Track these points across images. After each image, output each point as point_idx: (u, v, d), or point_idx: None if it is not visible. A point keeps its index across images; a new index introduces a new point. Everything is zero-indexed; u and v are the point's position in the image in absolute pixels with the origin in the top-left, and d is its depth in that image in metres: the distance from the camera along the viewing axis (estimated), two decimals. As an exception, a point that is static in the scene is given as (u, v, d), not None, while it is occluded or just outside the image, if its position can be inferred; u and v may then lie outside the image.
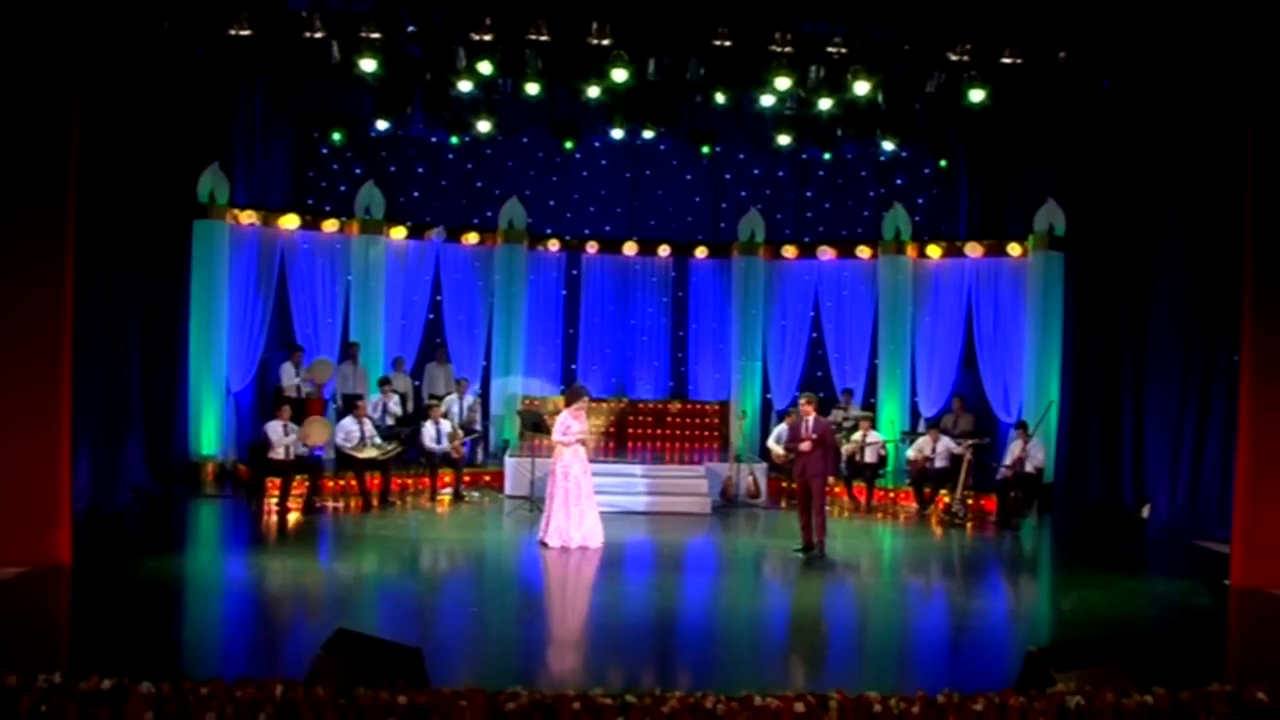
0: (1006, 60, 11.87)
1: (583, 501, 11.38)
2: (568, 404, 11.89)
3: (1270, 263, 10.17)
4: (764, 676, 7.19)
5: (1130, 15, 9.96)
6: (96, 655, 6.98)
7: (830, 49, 11.63)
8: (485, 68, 12.75)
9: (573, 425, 11.48)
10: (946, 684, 6.12)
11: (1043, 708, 5.92)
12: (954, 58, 11.86)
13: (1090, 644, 6.71)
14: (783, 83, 12.88)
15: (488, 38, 11.29)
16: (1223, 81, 10.84)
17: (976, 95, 12.96)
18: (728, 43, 11.35)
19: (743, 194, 18.72)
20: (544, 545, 11.27)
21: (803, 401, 11.71)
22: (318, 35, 11.23)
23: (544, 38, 11.26)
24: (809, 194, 19.04)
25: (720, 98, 14.32)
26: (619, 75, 12.65)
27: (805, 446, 11.29)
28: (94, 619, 8.28)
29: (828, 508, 13.66)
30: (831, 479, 12.48)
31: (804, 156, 18.06)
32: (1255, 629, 9.14)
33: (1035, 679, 6.34)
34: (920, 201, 18.62)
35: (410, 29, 11.62)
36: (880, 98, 13.75)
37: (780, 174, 18.92)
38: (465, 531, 12.51)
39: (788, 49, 11.55)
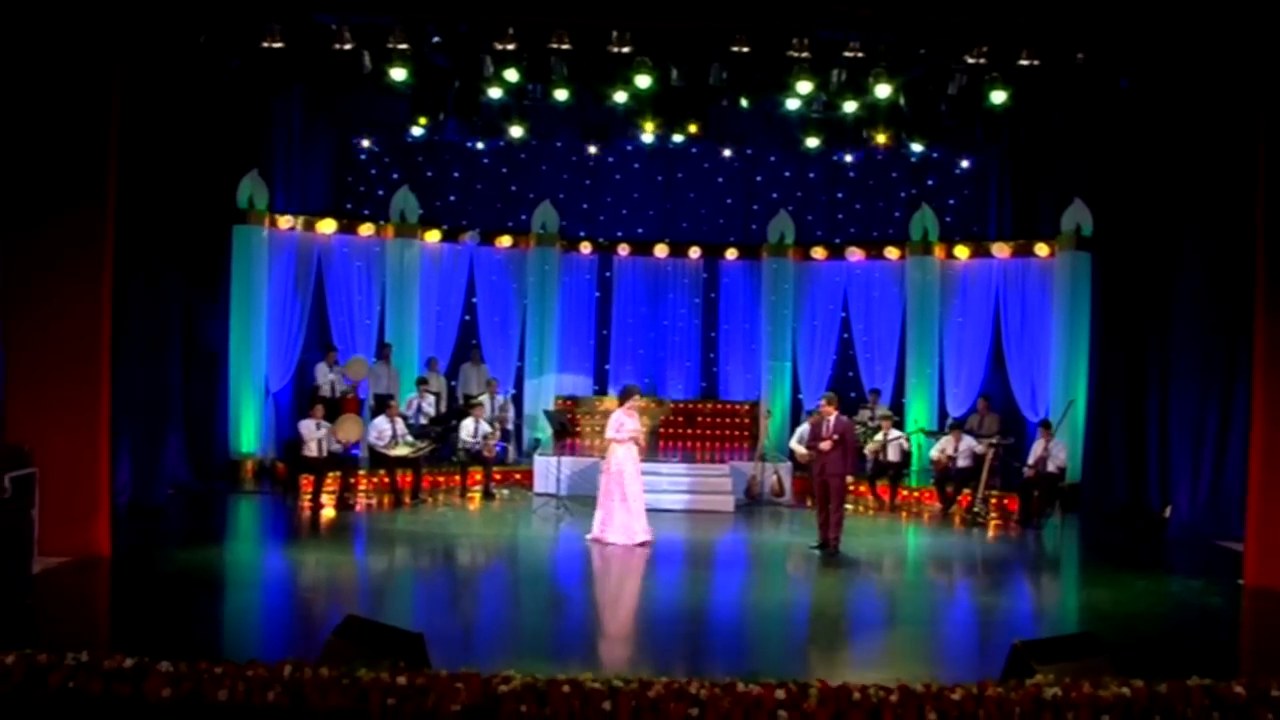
0: (1024, 62, 11.95)
1: (636, 499, 11.61)
2: (621, 403, 12.16)
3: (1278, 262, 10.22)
4: (764, 664, 7.40)
5: (1141, 13, 10.01)
6: (128, 638, 7.36)
7: (847, 53, 11.78)
8: (512, 75, 13.09)
9: (626, 423, 11.72)
10: (946, 675, 6.31)
11: (1019, 698, 6.08)
12: (971, 60, 11.95)
13: (1076, 638, 6.87)
14: (804, 87, 13.04)
15: (511, 47, 11.54)
16: (1235, 76, 10.87)
17: (998, 97, 13.03)
18: (746, 49, 11.52)
19: (774, 195, 18.90)
20: (600, 542, 11.48)
21: (824, 401, 11.91)
22: (347, 47, 11.55)
23: (566, 46, 11.50)
24: (840, 195, 19.18)
25: (745, 102, 14.56)
26: (643, 81, 12.91)
27: (825, 446, 11.49)
28: (128, 606, 8.72)
29: (850, 506, 13.91)
30: (851, 478, 12.61)
31: (834, 158, 18.20)
32: (1259, 627, 9.22)
33: (1019, 671, 6.51)
34: (952, 202, 18.72)
35: (436, 40, 11.91)
36: (902, 100, 13.90)
37: (811, 175, 19.08)
38: (491, 527, 12.87)
39: (805, 54, 11.69)
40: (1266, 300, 10.34)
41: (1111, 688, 6.19)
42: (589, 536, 11.70)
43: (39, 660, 6.19)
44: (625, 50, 11.53)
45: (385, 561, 11.11)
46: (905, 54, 12.23)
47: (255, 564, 10.83)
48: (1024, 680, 6.30)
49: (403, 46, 11.66)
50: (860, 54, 11.83)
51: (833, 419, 11.59)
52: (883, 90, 13.11)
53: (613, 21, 10.36)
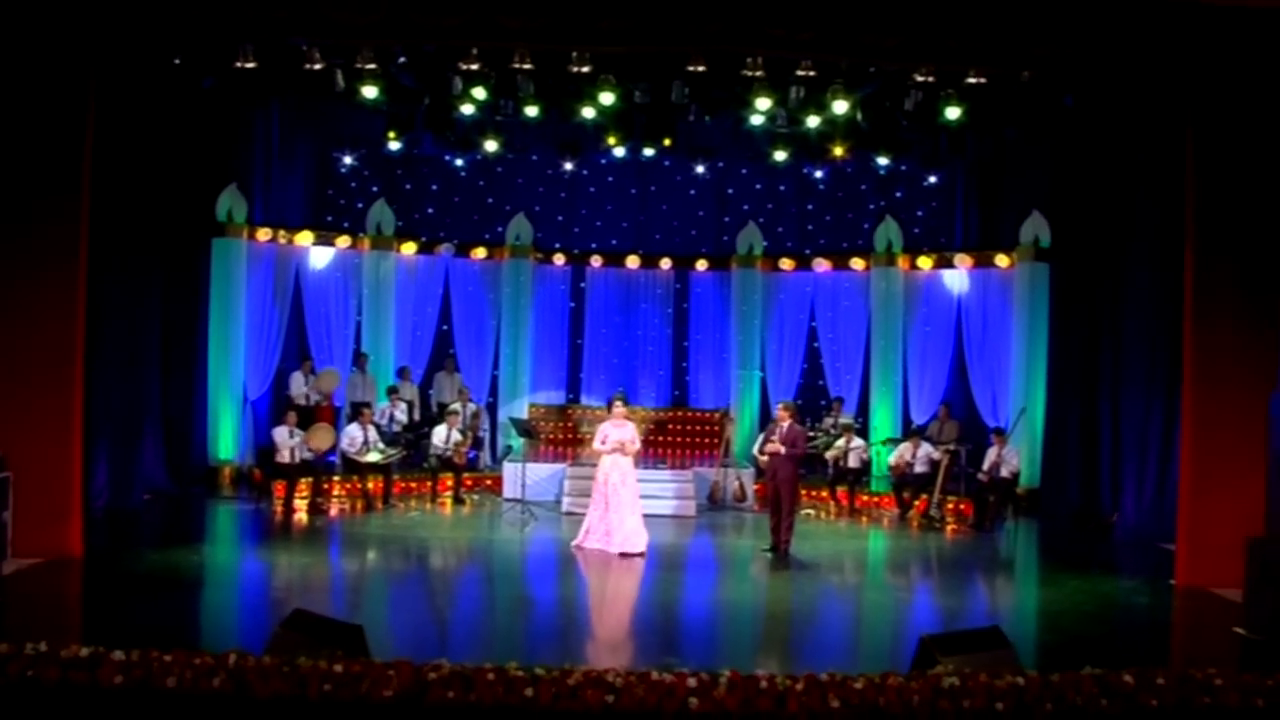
0: (972, 80, 12.37)
1: (622, 508, 11.83)
2: (609, 412, 12.48)
3: (1208, 272, 10.65)
4: (697, 657, 7.79)
5: (1077, 35, 10.42)
6: (93, 634, 7.74)
7: (800, 71, 12.17)
8: (480, 93, 13.54)
9: (611, 433, 12.00)
10: (868, 668, 6.67)
11: (918, 687, 6.48)
12: (920, 78, 12.37)
13: (982, 632, 7.26)
14: (764, 103, 13.43)
15: (475, 66, 11.95)
16: (1166, 94, 11.31)
17: (953, 112, 13.43)
18: (702, 68, 11.92)
19: (745, 208, 19.29)
20: (578, 549, 11.76)
21: (779, 408, 12.34)
22: (318, 67, 11.94)
23: (529, 66, 11.90)
24: (810, 207, 19.54)
25: (709, 118, 14.97)
26: (606, 99, 13.37)
27: (770, 448, 11.91)
28: (96, 604, 9.13)
29: (811, 511, 14.34)
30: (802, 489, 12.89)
31: (804, 171, 18.60)
32: (1175, 624, 9.61)
33: (925, 663, 6.91)
34: (920, 214, 19.09)
35: (402, 60, 12.32)
36: (859, 116, 14.31)
37: (782, 188, 19.45)
38: (456, 530, 13.31)
39: (760, 73, 12.07)
40: (1195, 309, 10.76)
41: (1006, 677, 6.60)
42: (573, 544, 11.96)
43: (0, 650, 6.60)
44: (585, 70, 11.93)
45: (349, 562, 11.56)
46: (858, 71, 12.60)
47: (223, 565, 11.23)
48: (925, 670, 6.71)
49: (371, 66, 12.05)
50: (813, 72, 12.19)
51: (785, 425, 11.99)
52: (840, 106, 13.53)
53: (567, 46, 10.72)
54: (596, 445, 12.16)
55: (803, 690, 6.41)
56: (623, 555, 11.55)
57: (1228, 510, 10.30)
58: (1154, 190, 13.11)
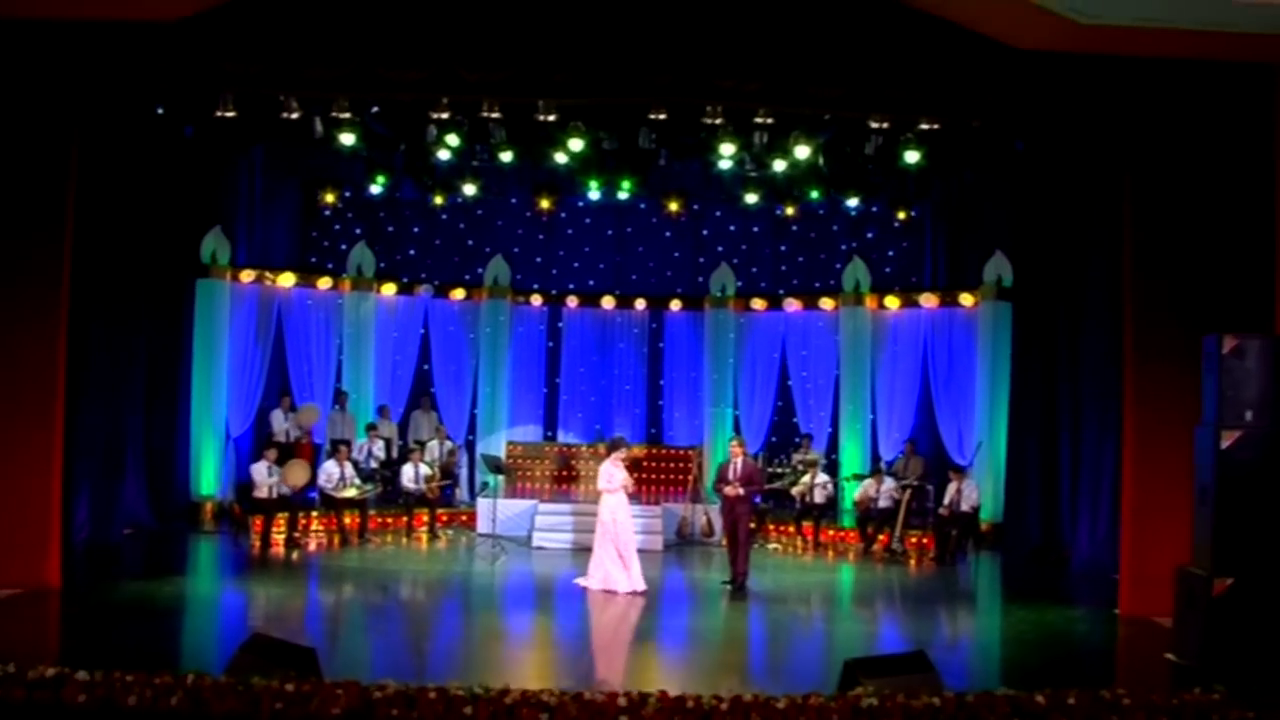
0: (925, 126, 12.86)
1: (628, 546, 12.01)
2: (608, 454, 12.64)
3: (1145, 311, 11.09)
4: (643, 681, 8.15)
5: (1019, 85, 10.92)
6: (66, 659, 8.08)
7: (757, 119, 12.63)
8: (454, 140, 14.07)
9: (615, 474, 12.19)
10: (804, 689, 7.05)
11: (838, 707, 6.86)
12: (875, 125, 12.85)
13: (906, 656, 7.63)
14: (728, 148, 13.96)
15: (446, 115, 12.43)
16: (1105, 141, 11.81)
17: (912, 156, 13.88)
18: (664, 115, 12.40)
19: (720, 249, 19.76)
20: (584, 588, 11.88)
21: (732, 445, 12.73)
22: (295, 115, 12.41)
23: (497, 115, 12.38)
24: (783, 248, 20.03)
25: (677, 162, 15.50)
26: (576, 145, 13.90)
27: (729, 491, 12.29)
28: (71, 631, 9.49)
29: (777, 546, 14.74)
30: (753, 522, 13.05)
31: (776, 212, 19.09)
32: (1109, 650, 9.96)
33: (849, 685, 7.28)
34: (891, 254, 19.61)
35: (375, 110, 12.83)
36: (821, 160, 14.82)
37: (755, 229, 19.93)
38: (426, 563, 13.71)
39: (720, 120, 12.54)
40: (1134, 346, 11.19)
41: (923, 698, 6.97)
42: (579, 581, 12.09)
43: (-32, 672, 6.97)
44: (553, 118, 12.39)
45: (318, 593, 11.93)
46: (815, 118, 13.09)
47: (196, 595, 11.61)
48: (847, 692, 7.08)
49: (346, 115, 12.54)
50: (770, 120, 12.65)
51: (739, 462, 12.38)
52: (802, 151, 14.07)
53: (526, 98, 11.22)
54: (601, 485, 12.30)
55: (727, 710, 6.80)
56: (631, 594, 11.68)
57: (1167, 541, 10.60)
58: (1103, 232, 13.58)
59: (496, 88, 10.67)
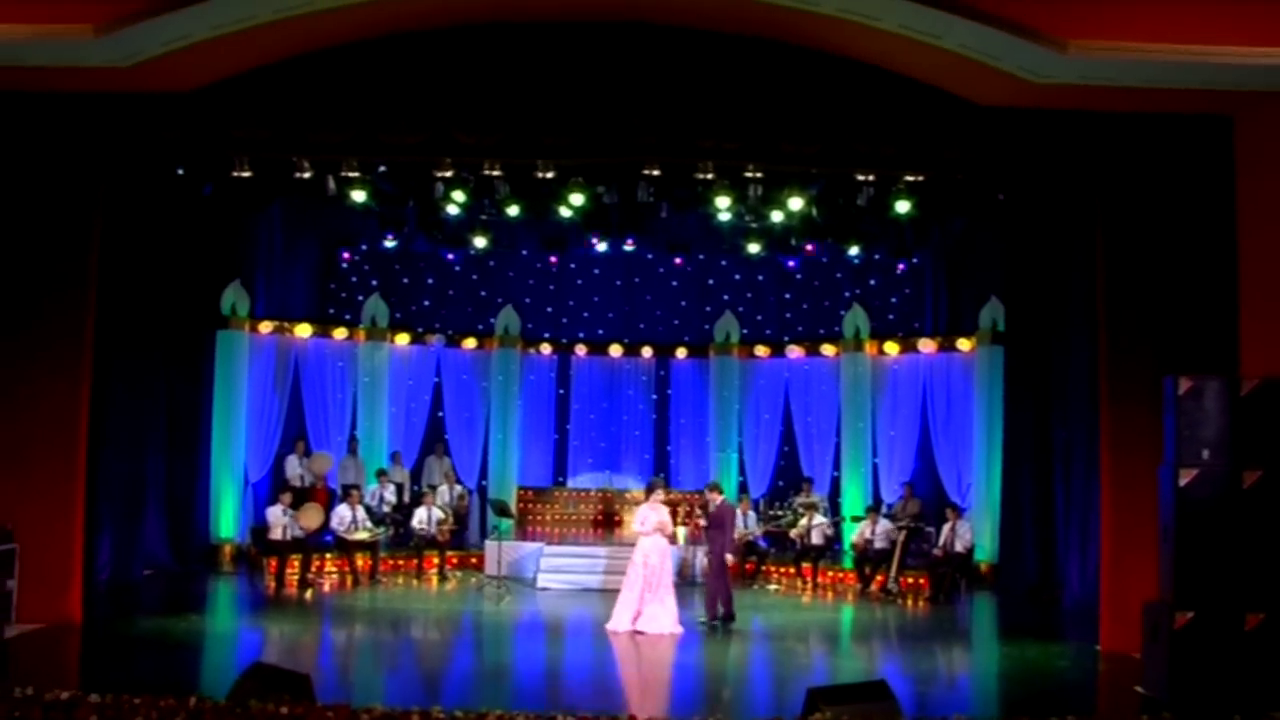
0: (909, 178, 13.39)
1: (659, 590, 12.24)
2: (647, 497, 13.04)
3: (1119, 353, 11.49)
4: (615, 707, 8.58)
5: (995, 139, 11.42)
6: (89, 688, 8.60)
7: (746, 174, 13.18)
8: (459, 196, 14.74)
9: (650, 516, 12.45)
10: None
11: (799, 728, 7.28)
12: (861, 178, 13.38)
13: (867, 685, 8.01)
14: (724, 201, 14.50)
15: (449, 174, 13.09)
16: (1077, 190, 12.29)
17: (903, 206, 14.44)
18: (657, 171, 13.00)
19: (725, 297, 20.28)
20: (615, 632, 12.01)
21: (707, 489, 13.26)
22: (308, 175, 13.08)
23: (498, 173, 13.02)
24: (787, 296, 20.52)
25: (678, 214, 16.08)
26: (577, 199, 14.53)
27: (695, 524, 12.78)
28: (90, 662, 10.08)
29: (776, 586, 15.15)
30: (732, 559, 13.26)
31: (779, 262, 19.64)
32: (1082, 684, 10.28)
33: (811, 711, 7.68)
34: (894, 300, 20.07)
35: (382, 169, 13.53)
36: (815, 211, 15.36)
37: (760, 278, 20.43)
38: (433, 603, 14.20)
39: (710, 175, 13.11)
40: (1109, 387, 11.59)
41: None
42: (608, 626, 12.16)
43: (-9, 696, 7.51)
44: (550, 175, 12.99)
45: (326, 628, 12.51)
46: (803, 172, 13.61)
47: (209, 630, 12.16)
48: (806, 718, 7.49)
49: (355, 174, 13.22)
50: (759, 174, 13.20)
51: (717, 502, 12.84)
52: (796, 203, 14.62)
53: (518, 159, 11.88)
54: (636, 527, 12.66)
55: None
56: (671, 634, 11.96)
57: (1144, 578, 10.90)
58: (1085, 278, 13.98)
59: (491, 150, 11.32)
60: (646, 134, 10.76)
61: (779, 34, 10.45)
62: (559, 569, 15.37)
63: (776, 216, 15.78)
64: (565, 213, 15.65)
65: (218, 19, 9.21)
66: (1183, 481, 9.29)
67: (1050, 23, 8.79)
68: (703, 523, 12.77)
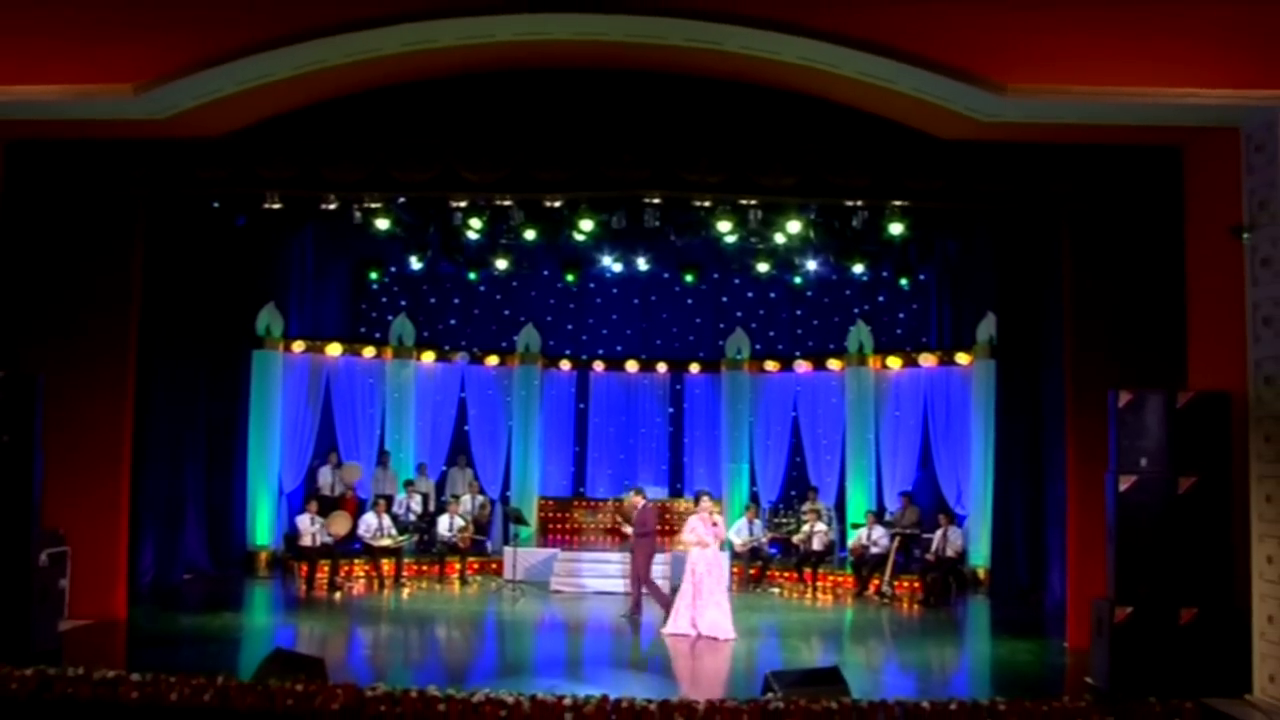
0: (898, 202, 14.19)
1: (704, 596, 12.84)
2: (697, 508, 13.90)
3: (1083, 366, 12.23)
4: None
5: (963, 168, 12.21)
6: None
7: (742, 200, 14.07)
8: (476, 223, 15.77)
9: (698, 527, 13.21)
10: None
11: (750, 710, 8.14)
12: (849, 203, 14.20)
13: (822, 671, 8.87)
14: (725, 225, 15.38)
15: (464, 204, 14.13)
16: (1043, 214, 13.06)
17: (896, 228, 15.26)
18: (658, 200, 13.93)
19: (738, 315, 21.18)
20: (664, 635, 12.78)
21: (632, 493, 14.79)
22: (333, 206, 14.14)
23: (509, 202, 14.03)
24: (799, 313, 21.35)
25: (683, 238, 16.98)
26: (586, 225, 15.50)
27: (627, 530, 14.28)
28: (133, 651, 11.18)
29: (778, 589, 15.92)
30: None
31: (787, 280, 20.47)
32: (1040, 676, 11.03)
33: (766, 692, 8.55)
34: (901, 316, 20.82)
35: (401, 200, 14.60)
36: (812, 235, 16.21)
37: (772, 296, 21.28)
38: (451, 604, 15.18)
39: (707, 202, 14.04)
40: (1074, 396, 12.33)
41: (823, 702, 8.22)
42: (663, 630, 12.96)
43: (48, 673, 8.59)
44: (557, 204, 13.97)
45: (348, 623, 13.55)
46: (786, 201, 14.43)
47: (241, 625, 13.23)
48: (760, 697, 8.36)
49: (376, 205, 14.30)
50: (753, 201, 14.08)
51: (639, 509, 14.12)
52: (794, 226, 15.49)
53: (519, 194, 12.93)
54: (685, 537, 13.56)
55: (656, 710, 8.12)
56: (711, 639, 12.54)
57: (1104, 579, 11.67)
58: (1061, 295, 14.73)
59: (494, 186, 12.33)
60: (640, 168, 11.72)
61: (758, 79, 11.34)
62: (571, 573, 16.31)
63: (779, 238, 16.65)
64: (578, 237, 16.62)
65: (243, 76, 10.31)
66: (1123, 487, 10.05)
67: (988, 67, 9.61)
68: (628, 530, 13.65)
